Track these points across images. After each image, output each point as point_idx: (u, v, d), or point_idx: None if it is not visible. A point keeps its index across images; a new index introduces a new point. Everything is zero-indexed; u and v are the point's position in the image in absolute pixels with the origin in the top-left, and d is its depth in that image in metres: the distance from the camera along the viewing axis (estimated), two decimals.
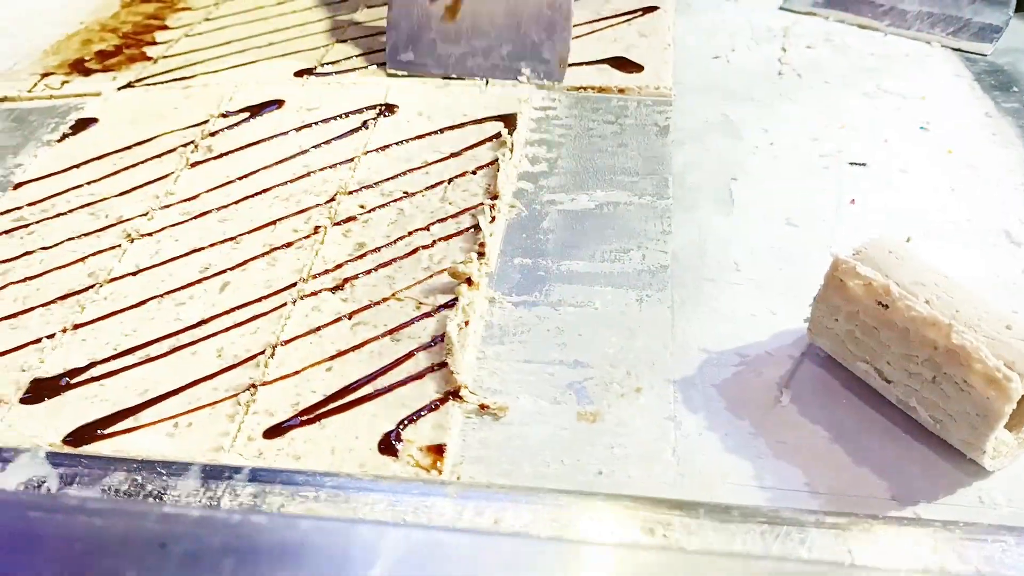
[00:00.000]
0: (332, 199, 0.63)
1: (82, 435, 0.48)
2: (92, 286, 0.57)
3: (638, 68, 0.78)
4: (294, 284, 0.56)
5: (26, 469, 0.42)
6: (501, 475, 0.45)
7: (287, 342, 0.52)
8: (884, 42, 0.83)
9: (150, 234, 0.61)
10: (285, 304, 0.55)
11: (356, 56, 0.82)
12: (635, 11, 0.88)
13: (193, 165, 0.67)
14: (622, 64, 0.79)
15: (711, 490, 0.43)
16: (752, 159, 0.67)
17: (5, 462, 0.42)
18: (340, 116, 0.72)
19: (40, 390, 0.50)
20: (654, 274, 0.57)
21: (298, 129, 0.71)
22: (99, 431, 0.48)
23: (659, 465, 0.45)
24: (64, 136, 0.72)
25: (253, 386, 0.50)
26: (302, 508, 0.40)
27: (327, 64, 0.80)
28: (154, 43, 0.87)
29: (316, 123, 0.71)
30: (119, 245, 0.60)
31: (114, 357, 0.52)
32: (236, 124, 0.72)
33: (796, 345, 0.51)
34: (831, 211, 0.62)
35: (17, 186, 0.67)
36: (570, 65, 0.79)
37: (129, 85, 0.79)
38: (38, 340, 0.53)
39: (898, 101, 0.73)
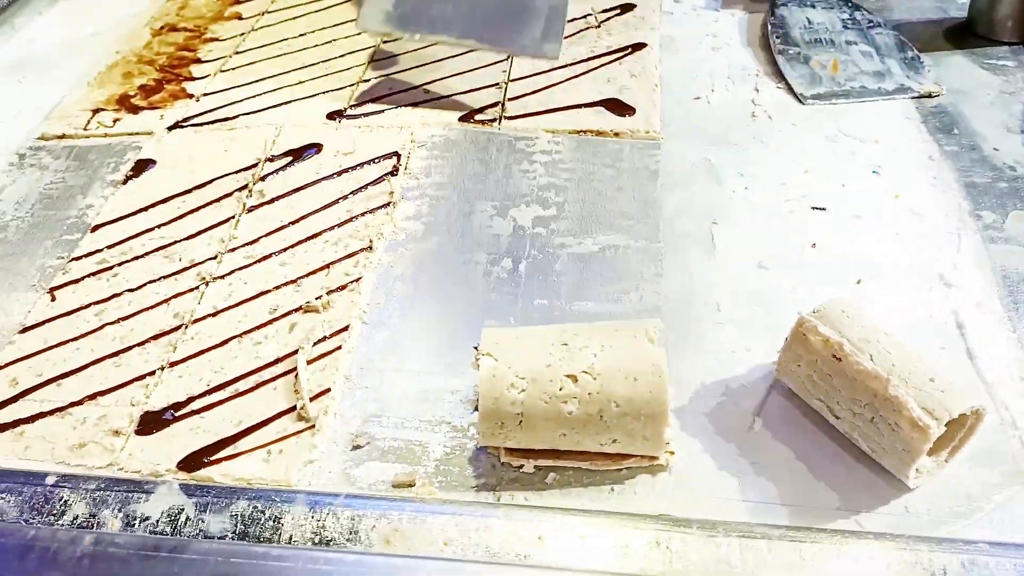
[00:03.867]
0: (369, 246, 0.74)
1: (191, 462, 0.59)
2: (179, 327, 0.68)
3: (631, 111, 0.89)
4: (347, 327, 0.67)
5: (165, 499, 0.53)
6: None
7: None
8: None
9: (221, 277, 0.72)
10: (341, 347, 0.66)
11: (382, 98, 0.91)
12: (625, 48, 0.99)
13: (250, 209, 0.78)
14: (616, 106, 0.90)
15: (705, 504, 0.55)
16: (730, 203, 0.79)
17: (148, 493, 0.53)
18: (373, 161, 0.82)
19: (150, 422, 0.61)
20: (651, 313, 0.68)
21: (338, 173, 0.81)
22: (205, 459, 0.59)
23: (660, 484, 0.57)
24: (127, 178, 0.82)
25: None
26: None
27: (355, 105, 0.90)
28: (191, 78, 0.95)
29: (352, 168, 0.82)
30: (196, 288, 0.71)
31: (208, 392, 0.63)
32: (282, 168, 0.82)
33: (766, 379, 0.63)
34: (796, 254, 0.73)
35: (95, 228, 0.77)
36: (572, 107, 0.89)
37: (178, 125, 0.88)
38: (141, 377, 0.64)
39: (855, 145, 0.85)
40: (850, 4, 1.02)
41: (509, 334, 0.59)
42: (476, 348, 0.60)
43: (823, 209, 0.78)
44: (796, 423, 0.60)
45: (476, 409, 0.59)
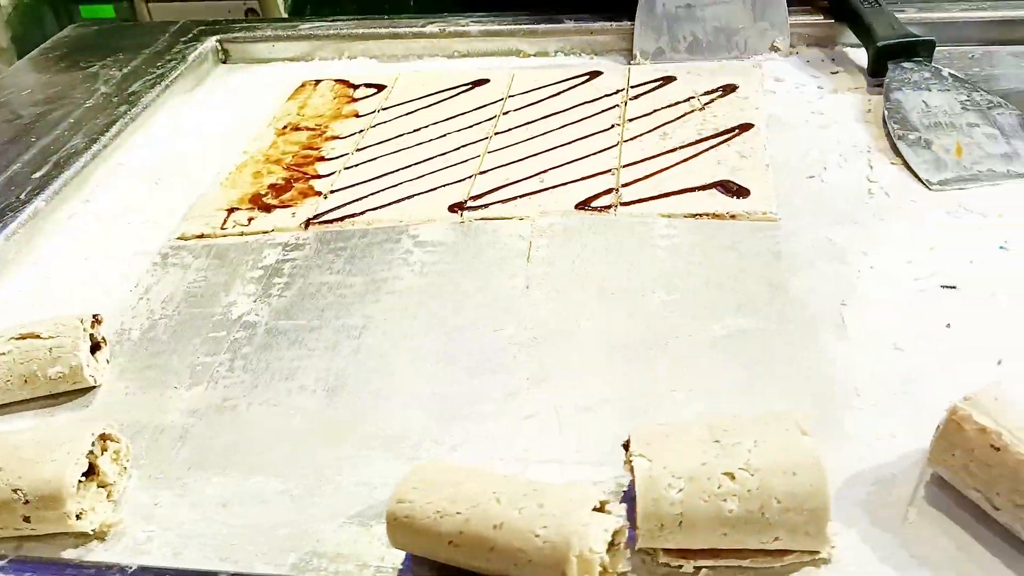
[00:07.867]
0: None
1: None
2: None
3: (745, 192, 0.90)
4: None
5: None
6: None
7: None
8: None
9: None
10: None
11: (500, 188, 0.95)
12: (732, 130, 1.00)
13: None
14: (730, 188, 0.91)
15: None
16: (857, 283, 0.78)
17: None
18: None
19: None
20: (788, 399, 0.68)
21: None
22: None
23: None
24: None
25: None
26: None
27: (475, 197, 0.93)
28: (318, 176, 1.00)
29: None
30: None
31: None
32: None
33: (915, 466, 0.63)
34: (931, 335, 0.73)
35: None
36: (684, 191, 0.91)
37: (309, 223, 0.92)
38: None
39: (979, 220, 0.84)
40: (967, 85, 1.01)
41: (658, 432, 0.60)
42: (625, 447, 0.61)
43: (953, 287, 0.77)
44: (952, 513, 0.59)
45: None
